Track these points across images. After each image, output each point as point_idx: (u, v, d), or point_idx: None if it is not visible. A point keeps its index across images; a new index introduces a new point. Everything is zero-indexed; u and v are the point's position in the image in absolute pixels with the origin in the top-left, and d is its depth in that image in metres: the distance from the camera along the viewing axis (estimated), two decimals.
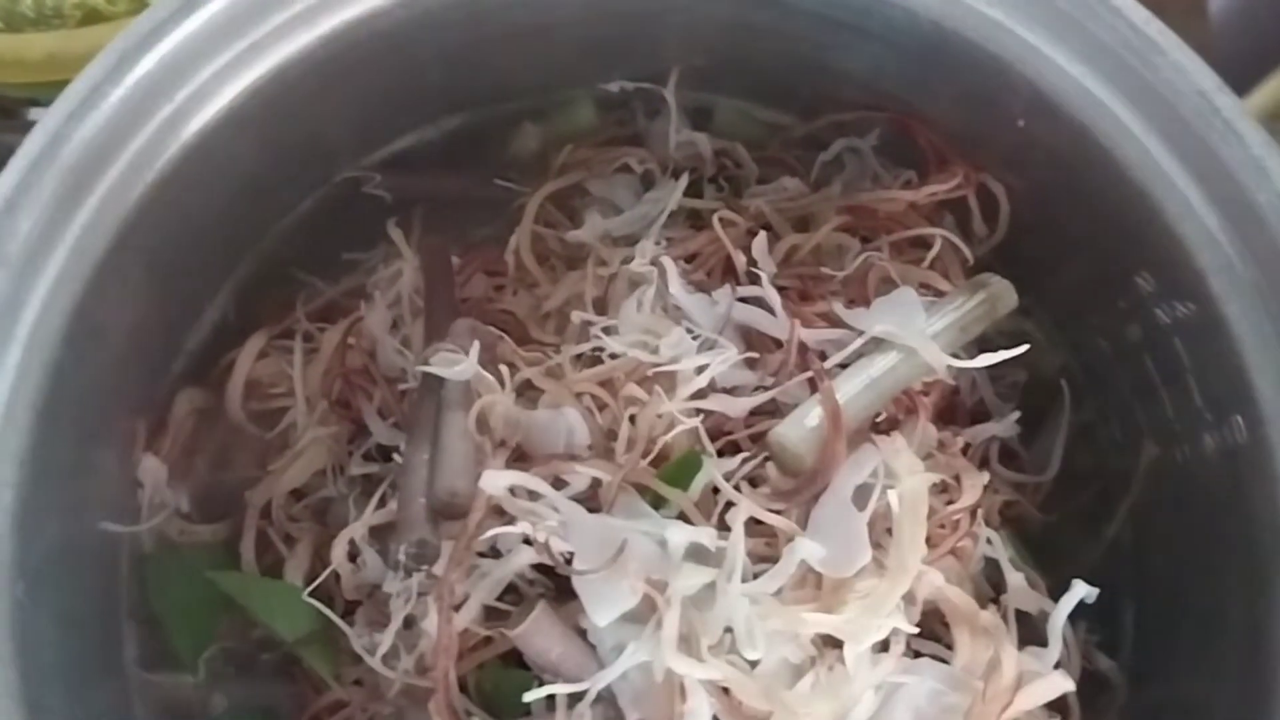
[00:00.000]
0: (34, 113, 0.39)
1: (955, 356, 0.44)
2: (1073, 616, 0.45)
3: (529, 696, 0.37)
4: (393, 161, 0.54)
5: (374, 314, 0.49)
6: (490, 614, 0.41)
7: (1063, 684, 0.40)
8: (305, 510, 0.49)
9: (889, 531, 0.40)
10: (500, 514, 0.41)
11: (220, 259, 0.52)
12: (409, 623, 0.42)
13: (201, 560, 0.48)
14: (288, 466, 0.48)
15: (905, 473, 0.40)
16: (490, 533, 0.39)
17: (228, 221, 0.50)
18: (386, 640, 0.40)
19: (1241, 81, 0.48)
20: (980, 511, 0.44)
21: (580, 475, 0.38)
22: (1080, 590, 0.41)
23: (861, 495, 0.39)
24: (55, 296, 0.41)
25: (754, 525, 0.39)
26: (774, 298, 0.43)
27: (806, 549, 0.37)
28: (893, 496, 0.39)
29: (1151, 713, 0.47)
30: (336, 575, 0.44)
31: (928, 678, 0.39)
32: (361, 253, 0.54)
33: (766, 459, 0.41)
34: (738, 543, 0.38)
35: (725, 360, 0.41)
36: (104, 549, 0.48)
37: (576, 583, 0.38)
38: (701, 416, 0.41)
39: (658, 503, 0.40)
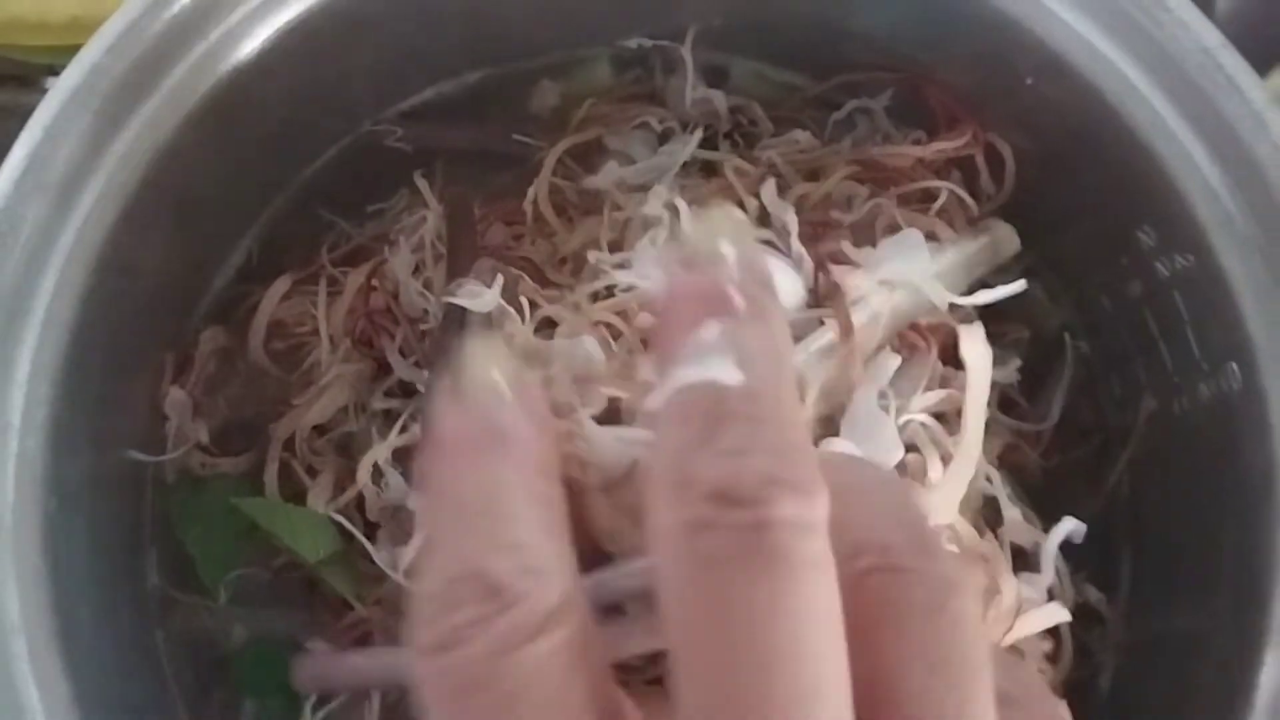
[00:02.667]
0: (51, 82, 0.41)
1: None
2: (1069, 561, 0.47)
3: None
4: (414, 114, 0.56)
5: (398, 257, 0.50)
6: None
7: (1059, 614, 0.41)
8: (328, 444, 0.50)
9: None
10: None
11: (247, 203, 0.53)
12: None
13: (225, 490, 0.49)
14: (312, 402, 0.49)
15: (975, 359, 0.41)
16: None
17: (256, 165, 0.51)
18: (409, 552, 0.41)
19: None
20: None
21: (600, 395, 0.40)
22: (1070, 523, 0.42)
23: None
24: (89, 227, 0.43)
25: None
26: (793, 222, 0.44)
27: (837, 445, 0.39)
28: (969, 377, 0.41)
29: (1146, 648, 0.48)
30: (358, 502, 0.46)
31: None
32: (384, 202, 0.55)
33: None
34: None
35: None
36: (130, 477, 0.49)
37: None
38: None
39: None
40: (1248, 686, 0.41)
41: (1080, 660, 0.48)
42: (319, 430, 0.50)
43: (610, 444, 0.38)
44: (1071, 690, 0.47)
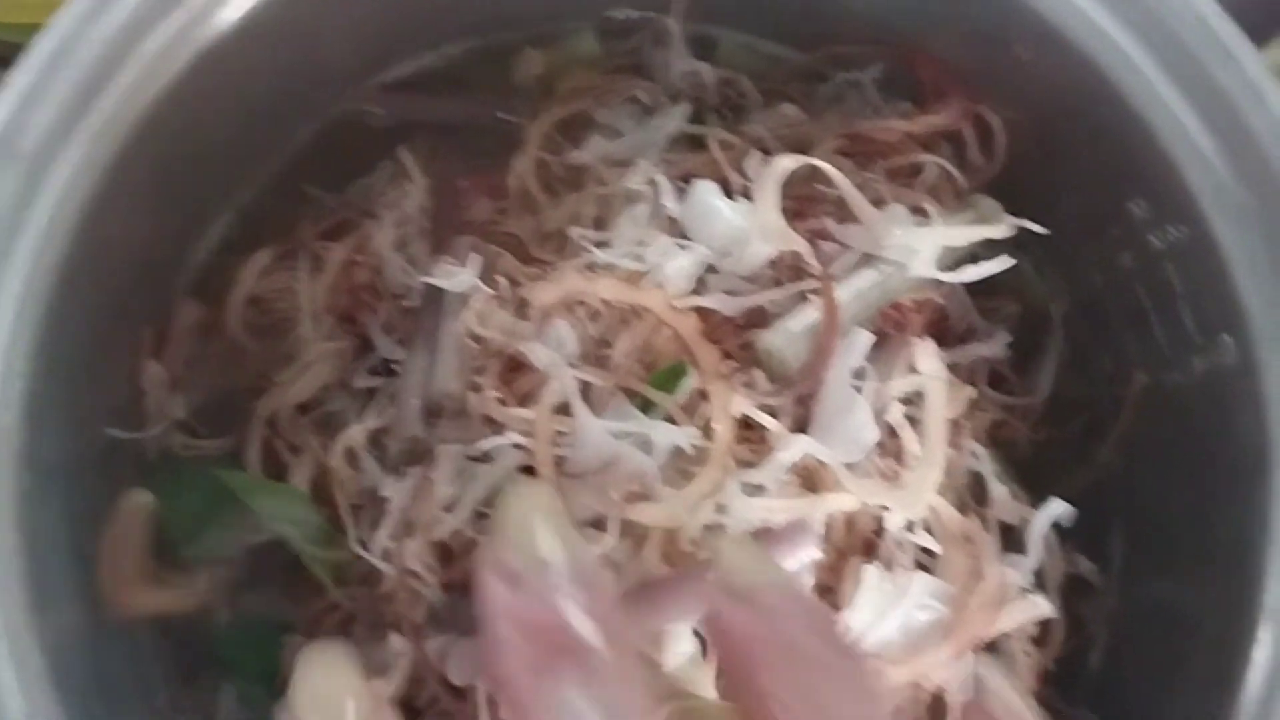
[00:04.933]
0: None
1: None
2: (1059, 531, 0.47)
3: None
4: (397, 86, 0.55)
5: (381, 232, 0.50)
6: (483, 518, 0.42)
7: (1043, 607, 0.41)
8: (310, 423, 0.49)
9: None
10: (492, 422, 0.42)
11: (227, 175, 0.52)
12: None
13: (207, 470, 0.49)
14: (294, 380, 0.49)
15: (929, 371, 0.41)
16: (484, 444, 0.40)
17: (236, 138, 0.50)
18: (380, 537, 0.41)
19: None
20: (966, 425, 0.45)
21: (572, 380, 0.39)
22: (1057, 505, 0.42)
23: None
24: (66, 196, 0.42)
25: (737, 432, 0.40)
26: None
27: (804, 443, 0.38)
28: (926, 388, 0.40)
29: (1139, 621, 0.48)
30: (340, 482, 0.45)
31: (915, 589, 0.40)
32: (366, 176, 0.54)
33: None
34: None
35: (700, 258, 0.42)
36: (108, 454, 0.48)
37: (565, 484, 0.38)
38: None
39: (645, 407, 0.41)
40: (1241, 662, 0.41)
41: (1072, 633, 0.48)
42: (301, 409, 0.49)
43: (598, 434, 0.37)
44: (1061, 667, 0.47)
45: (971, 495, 0.46)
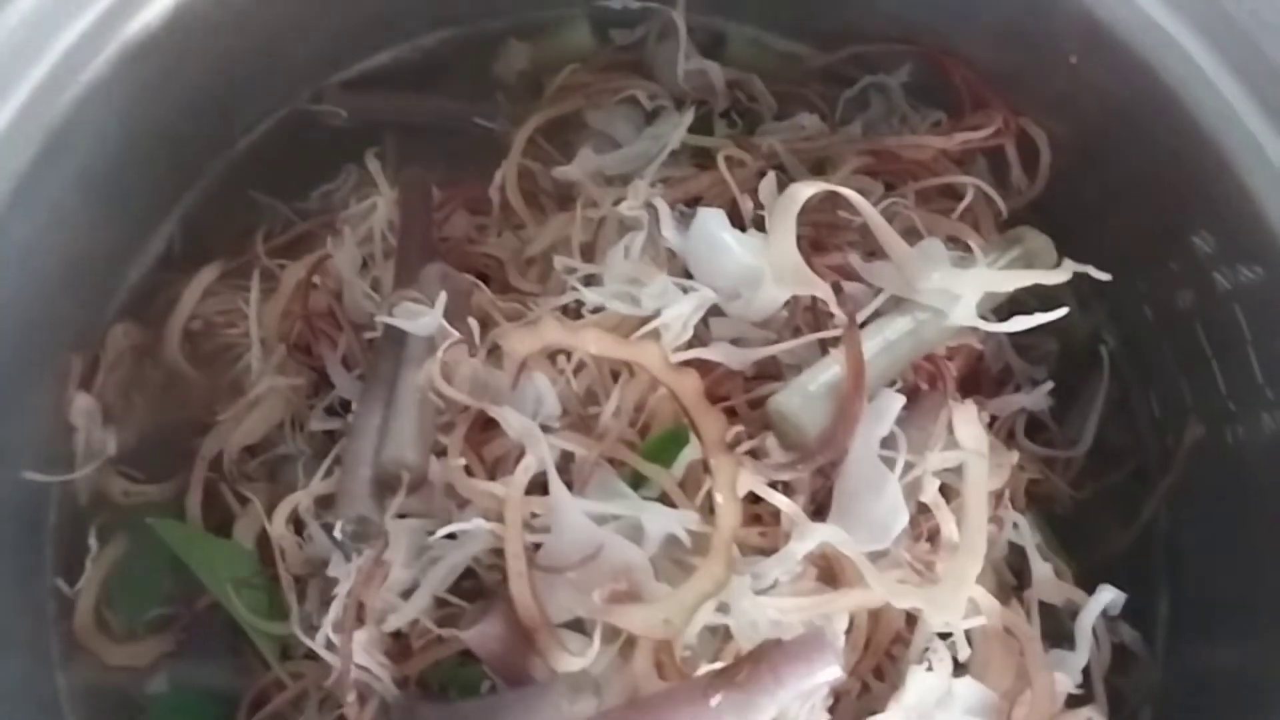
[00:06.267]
0: None
1: (983, 319, 0.39)
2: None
3: None
4: (363, 82, 0.49)
5: (342, 251, 0.44)
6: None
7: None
8: (261, 467, 0.44)
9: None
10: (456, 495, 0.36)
11: (167, 183, 0.47)
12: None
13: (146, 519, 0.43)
14: (242, 417, 0.43)
15: (970, 442, 0.35)
16: (445, 530, 0.34)
17: (176, 141, 0.45)
18: (326, 626, 0.35)
19: None
20: (1007, 493, 0.39)
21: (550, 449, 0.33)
22: (1108, 593, 0.37)
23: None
24: None
25: (745, 510, 0.34)
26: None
27: (824, 531, 0.33)
28: (966, 466, 0.35)
29: (1185, 696, 0.43)
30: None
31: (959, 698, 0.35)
32: (329, 183, 0.49)
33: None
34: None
35: (701, 304, 0.36)
36: (30, 499, 0.43)
37: (541, 579, 0.33)
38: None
39: (637, 481, 0.35)
40: None
41: (1113, 712, 0.43)
42: (250, 451, 0.44)
43: (579, 519, 0.32)
44: None
45: (1009, 568, 0.40)
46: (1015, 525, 0.39)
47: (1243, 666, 0.42)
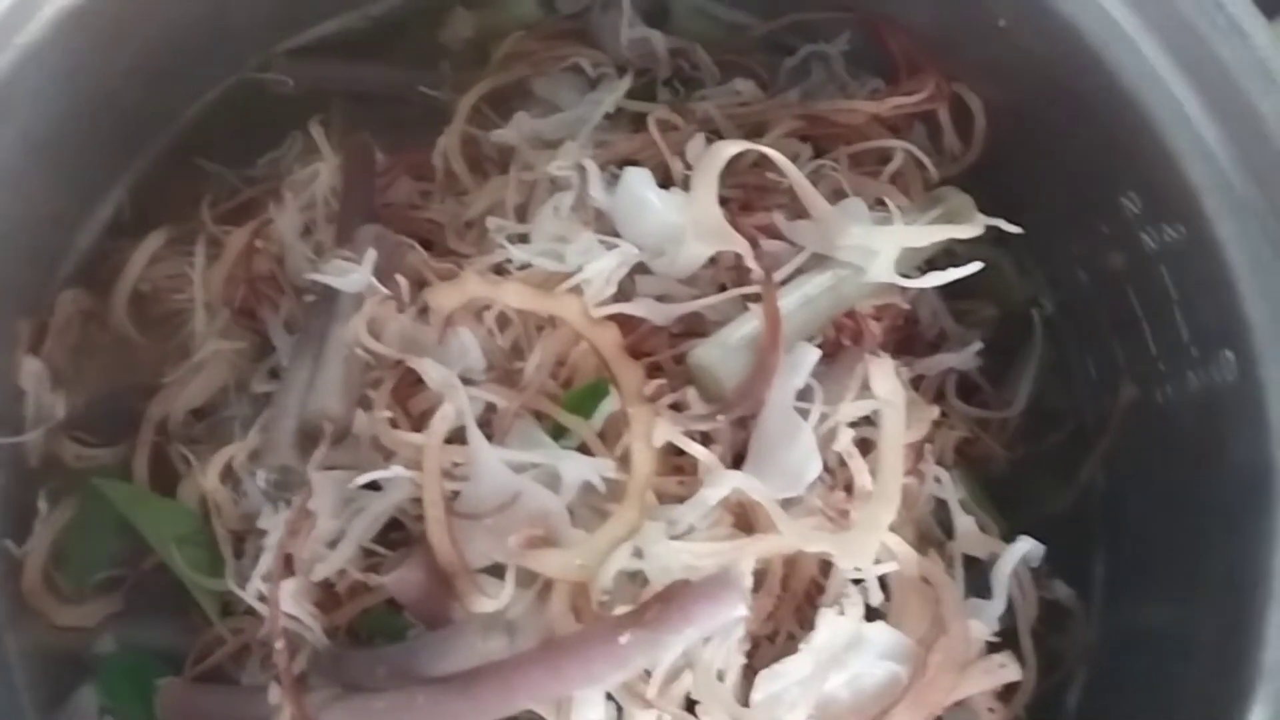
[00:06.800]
0: None
1: (906, 277, 0.39)
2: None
3: None
4: (310, 50, 0.50)
5: (285, 216, 0.44)
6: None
7: (1012, 671, 0.36)
8: (206, 430, 0.44)
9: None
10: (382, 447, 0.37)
11: (116, 148, 0.47)
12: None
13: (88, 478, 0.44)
14: (187, 381, 0.44)
15: (885, 394, 0.36)
16: (366, 476, 0.35)
17: (122, 107, 0.45)
18: (255, 579, 0.36)
19: None
20: (930, 448, 0.40)
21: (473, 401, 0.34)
22: (1025, 544, 0.38)
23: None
24: None
25: (665, 461, 0.35)
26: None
27: (734, 478, 0.33)
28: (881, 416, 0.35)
29: (1119, 656, 0.44)
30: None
31: (872, 643, 0.35)
32: (276, 150, 0.49)
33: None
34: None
35: (624, 260, 0.37)
36: None
37: (460, 526, 0.33)
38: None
39: (559, 433, 0.36)
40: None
41: (1047, 671, 0.43)
42: (196, 414, 0.44)
43: (497, 467, 0.32)
44: (1034, 714, 0.42)
45: (938, 524, 0.41)
46: (938, 479, 0.39)
47: (1176, 622, 0.42)
